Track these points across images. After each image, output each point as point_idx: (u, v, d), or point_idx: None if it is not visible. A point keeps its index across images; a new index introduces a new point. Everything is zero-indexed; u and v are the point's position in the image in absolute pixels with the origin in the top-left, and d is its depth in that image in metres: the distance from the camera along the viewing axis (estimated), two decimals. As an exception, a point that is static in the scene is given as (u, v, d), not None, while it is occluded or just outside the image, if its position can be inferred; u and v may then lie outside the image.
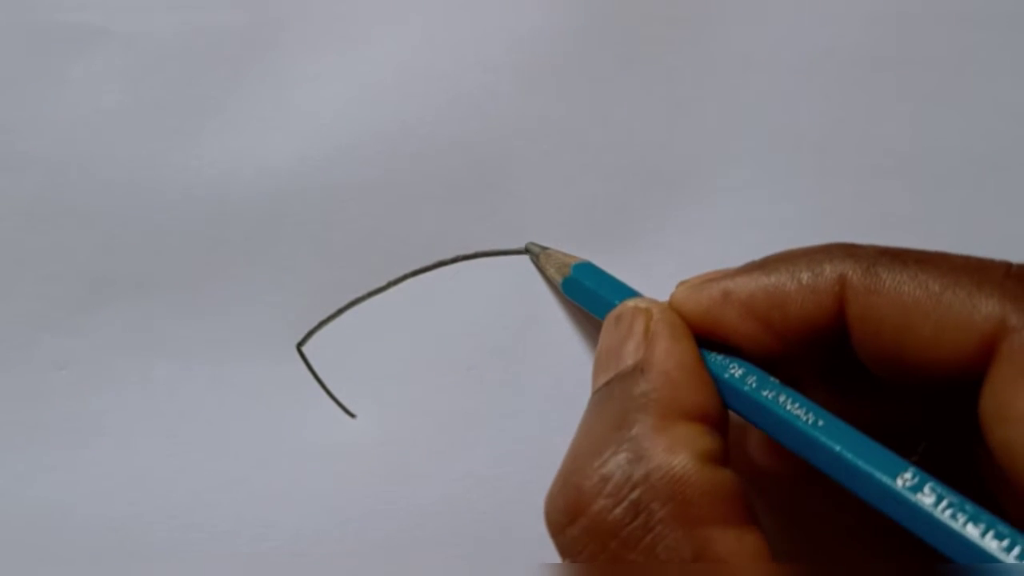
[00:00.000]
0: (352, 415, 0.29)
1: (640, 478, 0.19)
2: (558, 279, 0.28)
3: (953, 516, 0.18)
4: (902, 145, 0.31)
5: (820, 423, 0.20)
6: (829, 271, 0.21)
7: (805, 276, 0.22)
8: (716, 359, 0.23)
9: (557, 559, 0.28)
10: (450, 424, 0.29)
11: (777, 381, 0.22)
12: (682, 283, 0.24)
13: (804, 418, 0.21)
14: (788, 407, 0.21)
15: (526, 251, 0.29)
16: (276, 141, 0.30)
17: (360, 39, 0.31)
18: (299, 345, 0.29)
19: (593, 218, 0.30)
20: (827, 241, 0.29)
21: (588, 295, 0.27)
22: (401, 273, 0.30)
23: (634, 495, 0.19)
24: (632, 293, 0.26)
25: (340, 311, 0.29)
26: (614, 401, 0.21)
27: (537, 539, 0.28)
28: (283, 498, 0.28)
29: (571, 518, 0.20)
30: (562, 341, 0.29)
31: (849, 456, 0.19)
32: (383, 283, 0.30)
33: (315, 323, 0.29)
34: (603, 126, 0.30)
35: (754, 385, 0.22)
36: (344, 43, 0.31)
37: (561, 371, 0.29)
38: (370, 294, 0.30)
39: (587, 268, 0.28)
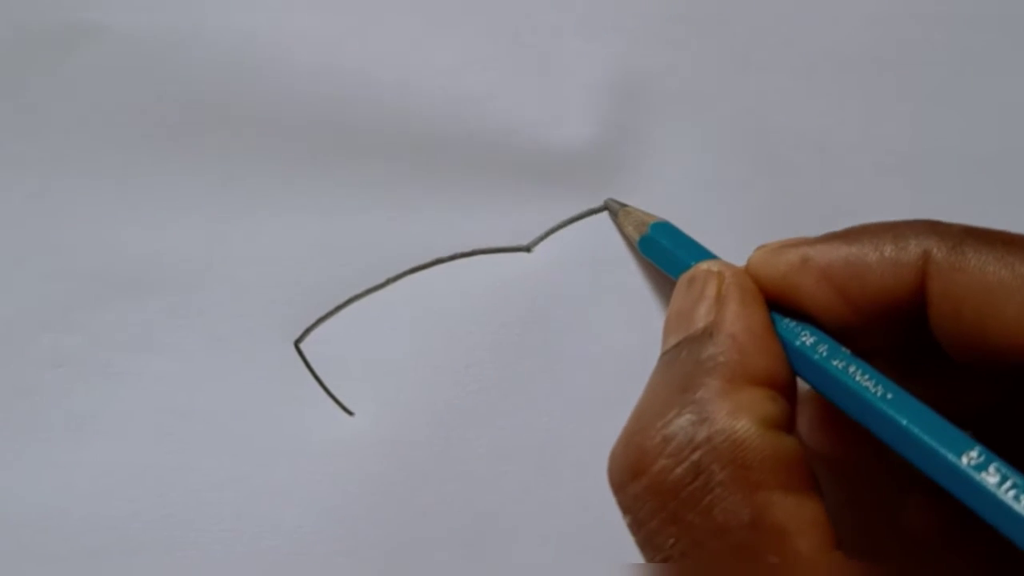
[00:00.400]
0: (350, 413, 0.29)
1: (702, 440, 0.20)
2: (635, 237, 0.28)
3: (1016, 497, 0.18)
4: (903, 144, 0.31)
5: (889, 396, 0.20)
6: (913, 245, 0.21)
7: (888, 248, 0.22)
8: (788, 325, 0.23)
9: (558, 559, 0.28)
10: (448, 422, 0.29)
11: (848, 352, 0.22)
12: (760, 247, 0.24)
13: (873, 390, 0.21)
14: (858, 378, 0.21)
15: (605, 208, 0.29)
16: (274, 139, 0.30)
17: (360, 35, 0.31)
18: (297, 342, 0.29)
19: (592, 216, 0.30)
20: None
21: (664, 254, 0.27)
22: (399, 271, 0.30)
23: (695, 456, 0.20)
24: (708, 255, 0.26)
25: (338, 308, 0.29)
26: (681, 363, 0.21)
27: (535, 538, 0.28)
28: (281, 496, 0.28)
29: (632, 475, 0.20)
30: (561, 339, 0.29)
31: (916, 431, 0.19)
32: (381, 280, 0.30)
33: (313, 320, 0.29)
34: (601, 124, 0.30)
35: (824, 354, 0.22)
36: (343, 41, 0.31)
37: (560, 369, 0.29)
38: (368, 291, 0.29)
39: (665, 227, 0.28)
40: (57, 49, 0.31)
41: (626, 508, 0.21)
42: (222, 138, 0.30)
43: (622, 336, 0.29)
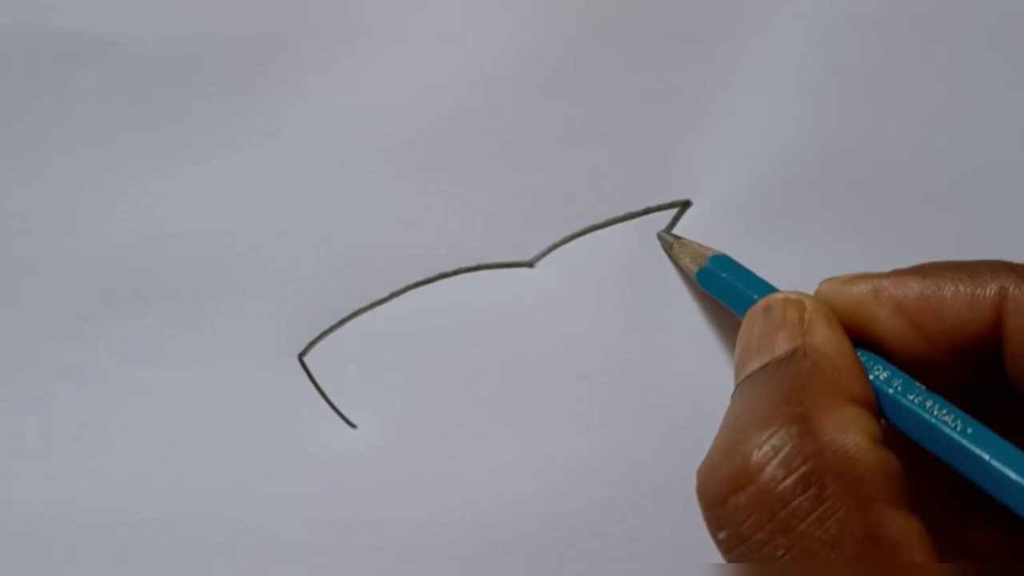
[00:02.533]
0: (353, 425, 0.29)
1: (812, 451, 0.20)
2: (693, 269, 0.28)
3: None
4: (903, 159, 0.31)
5: (969, 431, 0.21)
6: (990, 282, 0.22)
7: (964, 285, 0.22)
8: (862, 358, 0.23)
9: (559, 572, 0.28)
10: (451, 435, 0.29)
11: (923, 387, 0.22)
12: (827, 280, 0.24)
13: (952, 424, 0.21)
14: (936, 412, 0.21)
15: (658, 239, 0.29)
16: (280, 153, 0.30)
17: (364, 54, 0.31)
18: (301, 355, 0.29)
19: (594, 232, 0.30)
20: (830, 254, 0.30)
21: (724, 287, 0.27)
22: (403, 285, 0.30)
23: (805, 468, 0.20)
24: (769, 287, 0.26)
25: (342, 322, 0.30)
26: (777, 382, 0.21)
27: (537, 550, 0.28)
28: (284, 507, 0.28)
29: (736, 487, 0.20)
30: (563, 353, 0.29)
31: (997, 465, 0.20)
32: (385, 294, 0.30)
33: (317, 334, 0.29)
34: (604, 141, 0.31)
35: (899, 388, 0.22)
36: (348, 57, 0.31)
37: (560, 384, 0.29)
38: (372, 305, 0.30)
39: (724, 260, 0.28)
40: (66, 63, 0.31)
41: (726, 521, 0.20)
42: (228, 151, 0.30)
43: (623, 351, 0.29)
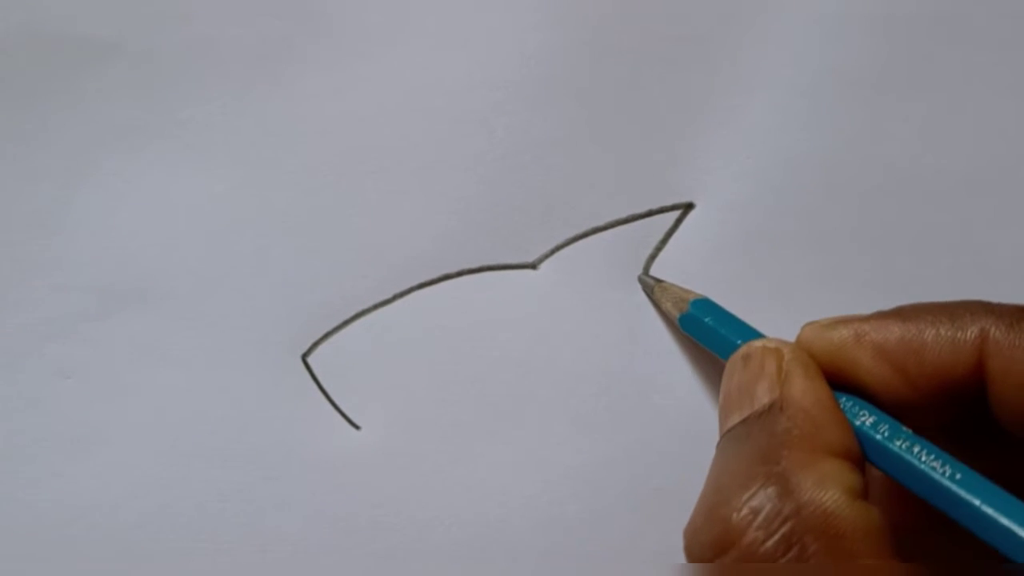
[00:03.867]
0: (356, 426, 0.29)
1: (791, 511, 0.20)
2: (675, 314, 0.28)
3: None
4: (905, 163, 0.31)
5: (958, 476, 0.21)
6: (970, 324, 0.22)
7: (944, 327, 0.22)
8: (847, 404, 0.23)
9: (561, 573, 0.28)
10: (454, 436, 0.29)
11: (910, 431, 0.22)
12: (808, 324, 0.24)
13: (940, 470, 0.21)
14: (923, 458, 0.21)
15: (639, 282, 0.29)
16: (284, 155, 0.30)
17: (368, 56, 0.31)
18: (304, 356, 0.29)
19: (597, 234, 0.30)
20: (829, 256, 0.30)
21: (706, 332, 0.27)
22: (407, 286, 0.30)
23: (786, 528, 0.20)
24: (751, 331, 0.26)
25: (346, 323, 0.30)
26: (755, 438, 0.22)
27: (539, 551, 0.28)
28: (287, 508, 0.28)
29: (719, 550, 0.20)
30: (566, 355, 0.30)
31: (989, 511, 0.20)
32: (389, 296, 0.30)
33: (320, 334, 0.30)
34: (607, 144, 0.31)
35: (886, 434, 0.22)
36: (352, 59, 0.31)
37: (565, 384, 0.29)
38: (376, 306, 0.30)
39: (705, 304, 0.28)
40: (71, 66, 0.31)
41: None
42: (231, 153, 0.30)
43: (625, 353, 0.30)
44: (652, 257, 0.30)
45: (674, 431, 0.29)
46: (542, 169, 0.31)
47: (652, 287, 0.29)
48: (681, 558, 0.28)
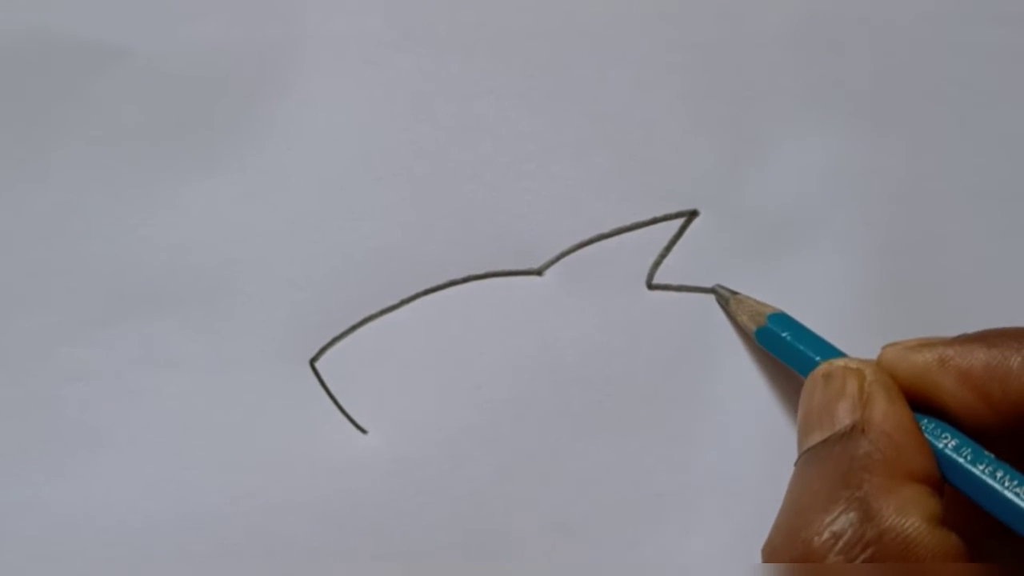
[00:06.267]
0: (363, 431, 0.29)
1: (873, 538, 0.20)
2: (751, 327, 0.29)
3: None
4: (909, 170, 0.31)
5: None
6: None
7: None
8: (928, 426, 0.23)
9: (563, 574, 0.29)
10: (459, 441, 0.29)
11: (992, 456, 0.22)
12: (890, 345, 0.24)
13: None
14: (1007, 483, 0.21)
15: (712, 291, 0.30)
16: (291, 160, 0.31)
17: (376, 62, 0.31)
18: (312, 361, 0.30)
19: (602, 241, 0.31)
20: (836, 264, 0.30)
21: (784, 347, 0.27)
22: (413, 292, 0.30)
23: (866, 554, 0.20)
24: (830, 347, 0.27)
25: (353, 328, 0.30)
26: (835, 460, 0.22)
27: (543, 555, 0.29)
28: (294, 511, 0.29)
29: (800, 574, 0.21)
30: (570, 361, 0.30)
31: None
32: (396, 301, 0.30)
33: (328, 340, 0.30)
34: (614, 150, 0.31)
35: (969, 458, 0.22)
36: (360, 66, 0.31)
37: (569, 390, 0.30)
38: (383, 312, 0.30)
39: (782, 319, 0.28)
40: (80, 71, 0.31)
41: None
42: (241, 158, 0.31)
43: (628, 358, 0.30)
44: (656, 264, 0.30)
45: (676, 437, 0.30)
46: (547, 176, 0.31)
47: (728, 299, 0.29)
48: (683, 563, 0.29)
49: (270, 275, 0.30)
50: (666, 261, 0.31)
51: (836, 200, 0.31)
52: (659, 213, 0.31)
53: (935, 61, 0.32)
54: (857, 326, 0.30)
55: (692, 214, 0.31)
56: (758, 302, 0.29)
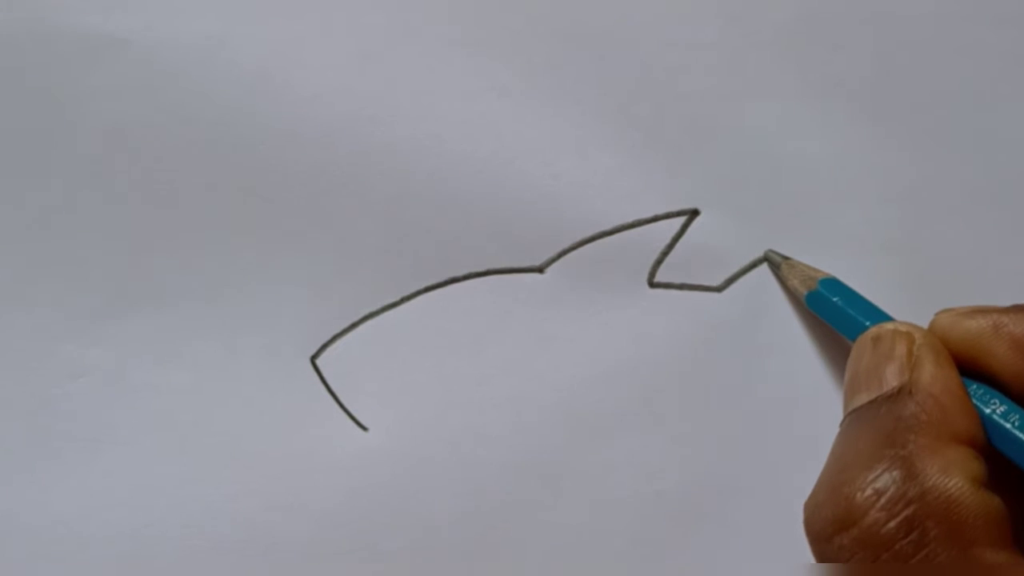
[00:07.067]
0: (364, 428, 0.29)
1: (915, 495, 0.20)
2: (802, 291, 0.29)
3: None
4: (910, 170, 0.31)
5: None
6: None
7: None
8: (977, 391, 0.23)
9: (565, 571, 0.29)
10: (460, 439, 0.29)
11: None
12: (944, 311, 0.25)
13: None
14: None
15: (764, 259, 0.30)
16: (292, 155, 0.31)
17: (378, 59, 0.31)
18: (313, 358, 0.30)
19: (603, 239, 0.31)
20: (836, 263, 0.30)
21: (834, 311, 0.28)
22: (414, 289, 0.30)
23: (908, 511, 0.20)
24: (881, 313, 0.27)
25: (354, 325, 0.30)
26: (881, 420, 0.22)
27: (545, 553, 0.29)
28: (295, 509, 0.29)
29: (840, 527, 0.21)
30: (571, 358, 0.30)
31: None
32: (397, 298, 0.30)
33: (329, 337, 0.30)
34: (614, 150, 0.31)
35: (1017, 424, 0.22)
36: (361, 60, 0.31)
37: (571, 388, 0.30)
38: (384, 309, 0.30)
39: (834, 284, 0.28)
40: (79, 63, 0.31)
41: (830, 558, 0.21)
42: (241, 154, 0.31)
43: (629, 355, 0.30)
44: (658, 262, 0.30)
45: (676, 435, 0.30)
46: (549, 174, 0.31)
47: (779, 264, 0.30)
48: (683, 562, 0.29)
49: (271, 272, 0.30)
50: (668, 260, 0.31)
51: (837, 199, 0.31)
52: (661, 211, 0.31)
53: (937, 61, 0.32)
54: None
55: (694, 213, 0.31)
56: (810, 267, 0.29)
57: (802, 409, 0.30)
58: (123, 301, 0.30)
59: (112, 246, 0.30)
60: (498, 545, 0.29)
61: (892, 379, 0.23)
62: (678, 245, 0.31)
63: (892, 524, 0.20)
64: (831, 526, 0.21)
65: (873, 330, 0.25)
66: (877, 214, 0.31)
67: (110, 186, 0.30)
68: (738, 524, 0.29)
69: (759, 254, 0.30)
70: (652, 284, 0.30)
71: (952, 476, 0.20)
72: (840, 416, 0.29)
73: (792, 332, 0.30)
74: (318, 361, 0.30)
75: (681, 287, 0.30)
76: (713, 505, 0.29)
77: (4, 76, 0.31)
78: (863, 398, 0.23)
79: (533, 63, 0.31)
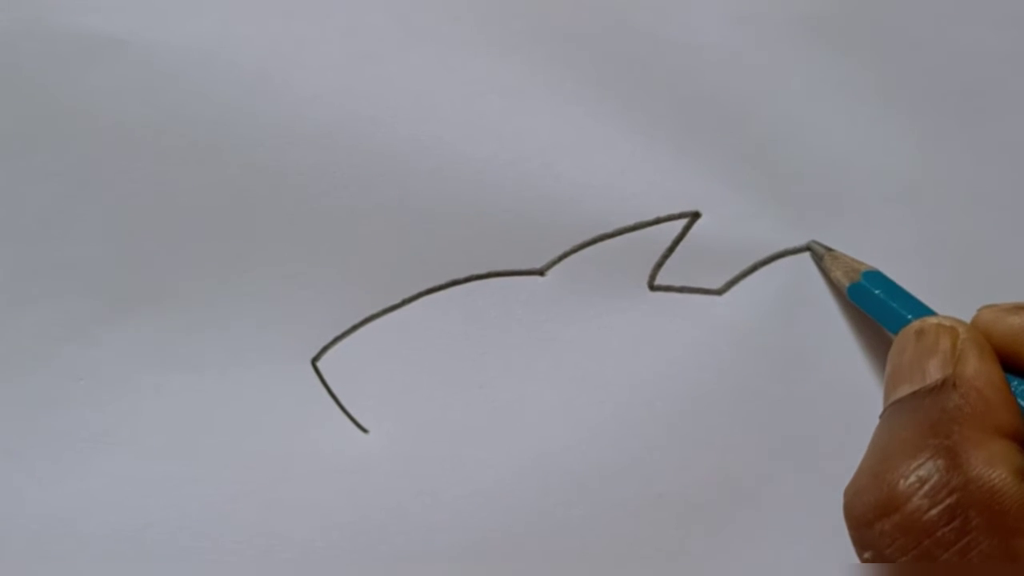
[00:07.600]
0: (364, 430, 0.29)
1: (959, 484, 0.20)
2: (844, 283, 0.29)
3: None
4: (910, 174, 0.31)
5: None
6: None
7: None
8: (1020, 387, 0.23)
9: (564, 573, 0.29)
10: (460, 441, 0.29)
11: None
12: (987, 306, 0.25)
13: None
14: None
15: (807, 249, 0.30)
16: (292, 156, 0.30)
17: (378, 60, 0.31)
18: (314, 360, 0.30)
19: (604, 242, 0.31)
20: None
21: (876, 304, 0.28)
22: (415, 291, 0.30)
23: (951, 500, 0.20)
24: (923, 307, 0.27)
25: (355, 327, 0.30)
26: (925, 411, 0.22)
27: (544, 555, 0.29)
28: (295, 510, 0.29)
29: (882, 513, 0.21)
30: (572, 360, 0.30)
31: None
32: (397, 301, 0.30)
33: (330, 339, 0.30)
34: (615, 152, 0.31)
35: None
36: (361, 61, 0.31)
37: (570, 390, 0.30)
38: (384, 311, 0.30)
39: (877, 276, 0.28)
40: (76, 63, 0.31)
41: (871, 544, 0.21)
42: (241, 154, 0.30)
43: (630, 359, 0.30)
44: (659, 265, 0.30)
45: (677, 437, 0.30)
46: (550, 176, 0.31)
47: (822, 255, 0.29)
48: (684, 563, 0.29)
49: (272, 274, 0.30)
50: (668, 262, 0.31)
51: (838, 201, 0.31)
52: (662, 214, 0.31)
53: (939, 63, 0.32)
54: (860, 325, 0.30)
55: (695, 215, 0.31)
56: (853, 259, 0.29)
57: (802, 410, 0.30)
58: (124, 303, 0.30)
59: (112, 247, 0.30)
60: (498, 547, 0.29)
61: (935, 372, 0.23)
62: (679, 247, 0.31)
63: (934, 511, 0.20)
64: (872, 511, 0.21)
65: (916, 323, 0.25)
66: (879, 215, 0.31)
67: (110, 186, 0.30)
68: (738, 524, 0.29)
69: (759, 256, 0.30)
70: (653, 287, 0.30)
71: (996, 467, 0.21)
72: (841, 417, 0.29)
73: (793, 334, 0.30)
74: (319, 363, 0.30)
75: (682, 290, 0.30)
76: (714, 507, 0.29)
77: (4, 76, 0.30)
78: (905, 389, 0.23)
79: (534, 64, 0.31)
